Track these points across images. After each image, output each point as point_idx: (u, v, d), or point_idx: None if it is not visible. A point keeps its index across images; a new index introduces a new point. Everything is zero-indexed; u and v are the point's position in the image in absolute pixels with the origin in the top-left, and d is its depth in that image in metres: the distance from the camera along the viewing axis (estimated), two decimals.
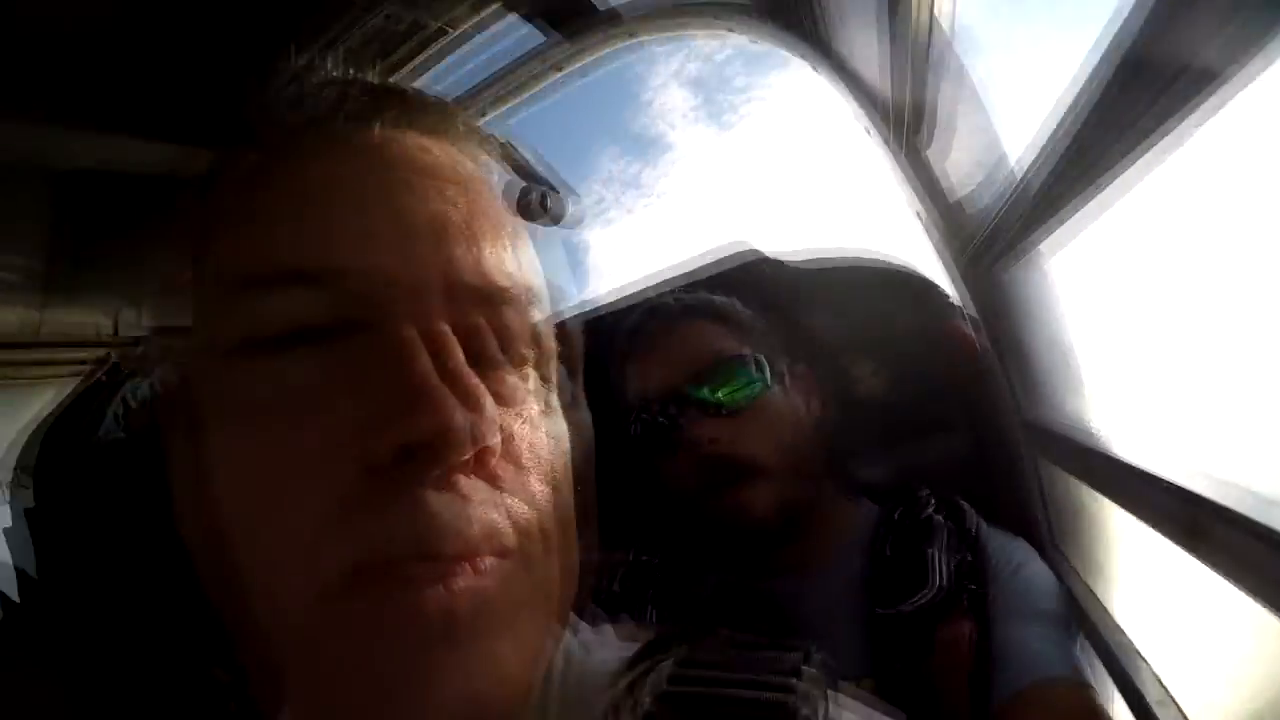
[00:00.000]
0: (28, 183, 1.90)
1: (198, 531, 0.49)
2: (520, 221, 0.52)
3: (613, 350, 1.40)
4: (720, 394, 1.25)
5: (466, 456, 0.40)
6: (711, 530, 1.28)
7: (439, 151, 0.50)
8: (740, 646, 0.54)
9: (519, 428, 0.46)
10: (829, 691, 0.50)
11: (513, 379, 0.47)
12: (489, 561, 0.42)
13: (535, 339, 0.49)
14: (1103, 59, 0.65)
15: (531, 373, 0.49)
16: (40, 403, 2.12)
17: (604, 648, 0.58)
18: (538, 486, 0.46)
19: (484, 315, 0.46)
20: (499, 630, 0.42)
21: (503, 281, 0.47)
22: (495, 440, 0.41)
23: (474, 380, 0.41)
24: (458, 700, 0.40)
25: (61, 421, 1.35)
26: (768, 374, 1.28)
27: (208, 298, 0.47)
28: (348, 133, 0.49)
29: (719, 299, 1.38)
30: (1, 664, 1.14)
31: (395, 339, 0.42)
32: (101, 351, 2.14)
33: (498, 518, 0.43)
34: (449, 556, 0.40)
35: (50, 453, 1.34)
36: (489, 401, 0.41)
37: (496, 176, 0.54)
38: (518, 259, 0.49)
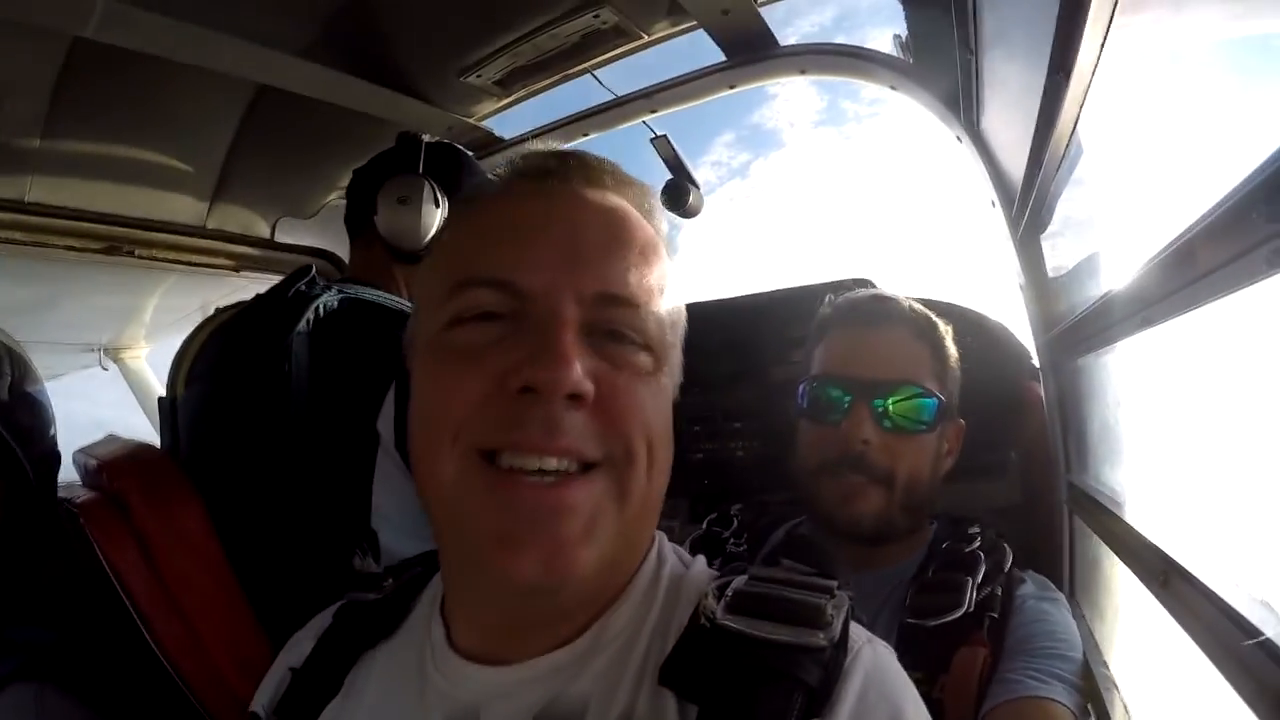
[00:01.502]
0: (229, 89, 2.17)
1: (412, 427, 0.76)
2: (656, 242, 0.78)
3: (823, 317, 1.50)
4: (892, 408, 1.35)
5: (562, 396, 0.65)
6: (815, 503, 1.41)
7: (594, 195, 0.76)
8: (796, 571, 0.79)
9: (621, 385, 0.71)
10: (850, 608, 0.73)
11: (626, 352, 0.72)
12: (576, 469, 0.68)
13: (647, 330, 0.73)
14: (1227, 195, 0.67)
15: (644, 353, 0.73)
16: (202, 288, 2.42)
17: (699, 568, 0.84)
18: (629, 420, 0.71)
19: (607, 312, 0.71)
20: (577, 529, 0.67)
21: (619, 293, 0.71)
22: (584, 389, 0.66)
23: (572, 353, 0.66)
24: (536, 559, 0.65)
25: (261, 314, 1.57)
26: (936, 418, 1.37)
27: (437, 293, 0.73)
28: (539, 186, 0.76)
29: (942, 328, 1.45)
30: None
31: (545, 320, 0.68)
32: (257, 251, 2.43)
33: (585, 438, 0.68)
34: (545, 450, 0.66)
35: (249, 337, 1.57)
36: (574, 367, 0.65)
37: (645, 202, 0.81)
38: (638, 277, 0.73)
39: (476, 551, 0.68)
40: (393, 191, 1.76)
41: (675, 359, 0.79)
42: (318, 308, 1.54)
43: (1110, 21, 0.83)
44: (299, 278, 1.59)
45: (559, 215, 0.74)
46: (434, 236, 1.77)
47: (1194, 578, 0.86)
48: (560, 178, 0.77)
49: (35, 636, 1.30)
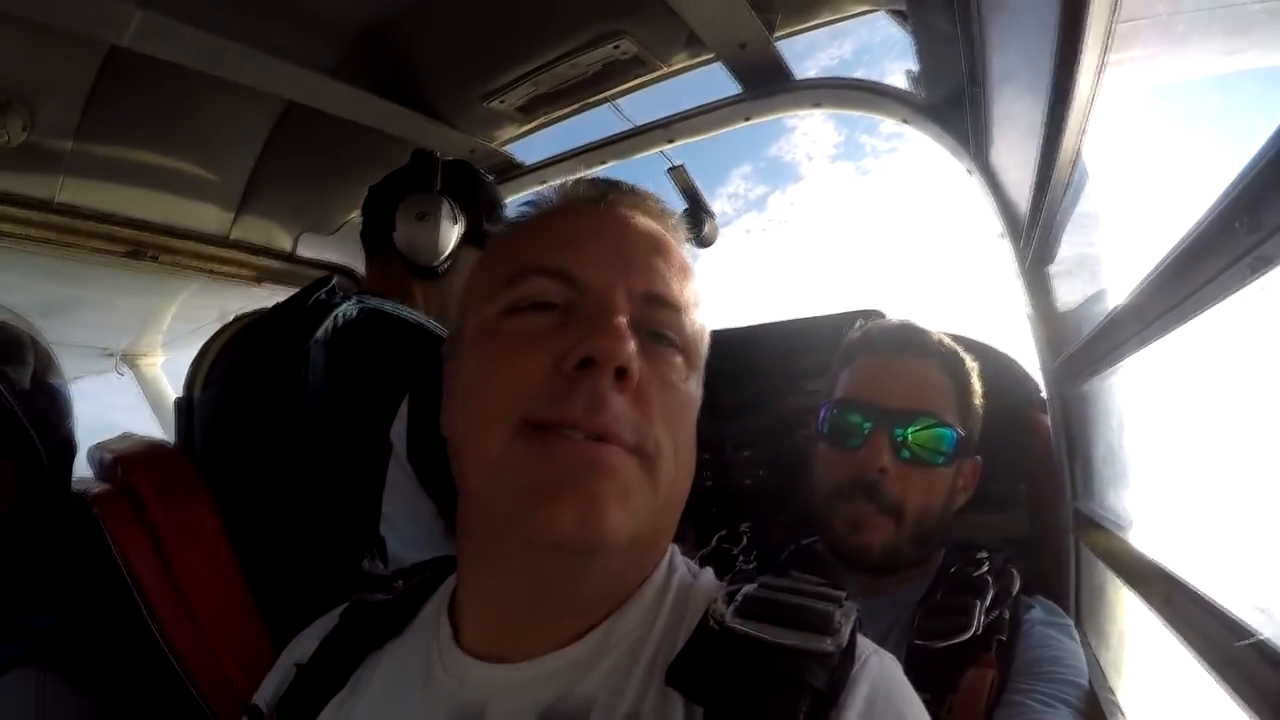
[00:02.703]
0: (258, 104, 2.23)
1: (451, 414, 0.81)
2: (689, 264, 0.83)
3: (851, 342, 1.50)
4: (911, 438, 1.35)
5: (614, 367, 0.68)
6: (825, 529, 1.42)
7: (639, 218, 0.82)
8: (805, 581, 0.80)
9: (656, 380, 0.74)
10: (857, 619, 0.74)
11: (665, 352, 0.76)
12: (618, 449, 0.70)
13: (685, 335, 0.78)
14: (1210, 209, 0.70)
15: (680, 356, 0.77)
16: (223, 298, 2.45)
17: (708, 577, 0.85)
18: (658, 419, 0.73)
19: (651, 311, 0.75)
20: (614, 489, 0.69)
21: (664, 294, 0.76)
22: (634, 367, 0.69)
23: (627, 332, 0.70)
24: (573, 512, 0.67)
25: (281, 321, 1.61)
26: (954, 452, 1.37)
27: (490, 287, 0.78)
28: (592, 205, 0.83)
29: (969, 364, 1.44)
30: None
31: (601, 307, 0.72)
32: (278, 264, 2.47)
33: (622, 420, 0.70)
34: (585, 426, 0.68)
35: (268, 342, 1.60)
36: (629, 343, 0.69)
37: (678, 233, 0.86)
38: (679, 286, 0.78)
39: (513, 510, 0.69)
40: (411, 208, 1.79)
41: (701, 371, 0.83)
42: (336, 317, 1.57)
43: (1105, 50, 0.86)
44: (319, 287, 1.62)
45: (609, 227, 0.80)
46: (451, 252, 1.81)
47: (1197, 594, 0.87)
48: (610, 202, 0.83)
49: (40, 622, 1.31)
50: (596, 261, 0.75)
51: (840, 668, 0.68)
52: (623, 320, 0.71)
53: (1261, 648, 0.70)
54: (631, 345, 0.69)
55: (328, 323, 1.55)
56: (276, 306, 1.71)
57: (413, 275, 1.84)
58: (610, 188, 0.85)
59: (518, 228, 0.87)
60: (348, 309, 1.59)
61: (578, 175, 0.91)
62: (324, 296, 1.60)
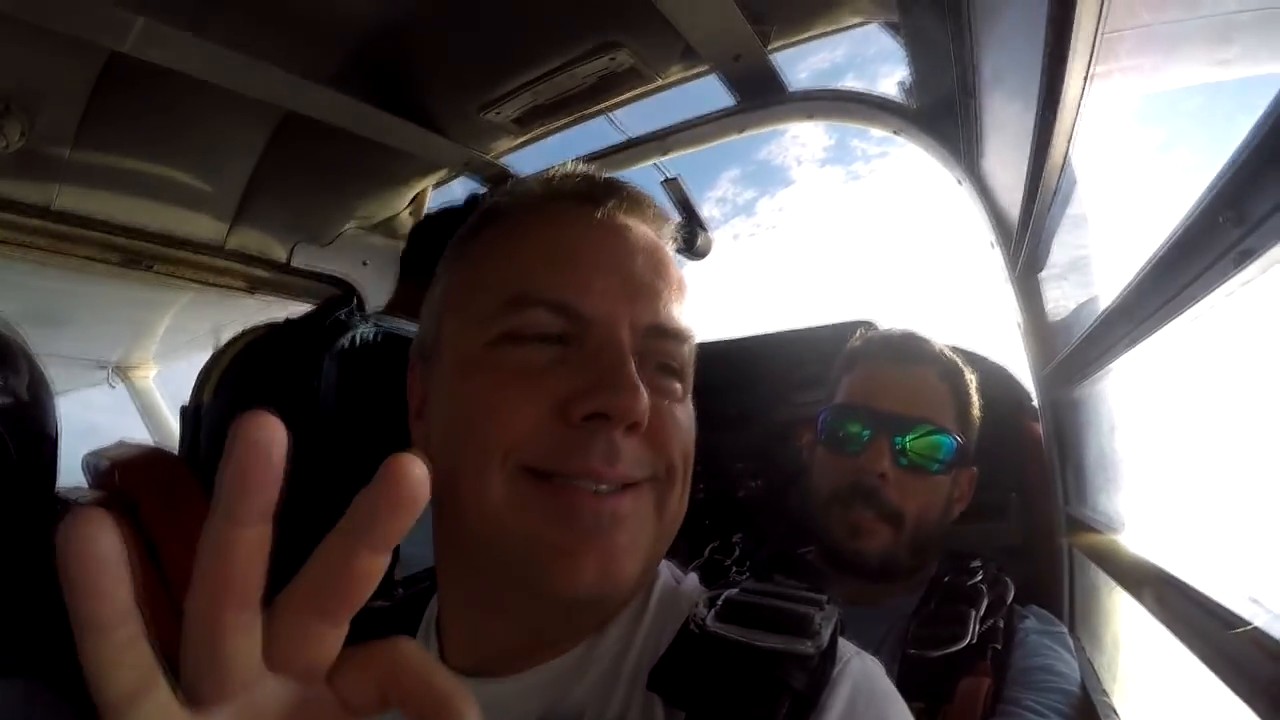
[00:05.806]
0: (256, 113, 2.23)
1: (438, 440, 0.76)
2: (683, 277, 0.80)
3: (853, 349, 1.52)
4: (910, 445, 1.37)
5: (626, 424, 0.67)
6: (823, 534, 1.41)
7: (639, 228, 0.78)
8: (787, 585, 0.81)
9: (662, 410, 0.73)
10: (839, 621, 0.74)
11: (668, 382, 0.75)
12: (627, 489, 0.70)
13: (683, 360, 0.77)
14: (1195, 205, 0.70)
15: (678, 381, 0.77)
16: (220, 308, 2.42)
17: (692, 582, 0.86)
18: (668, 448, 0.73)
19: (657, 344, 0.73)
20: (628, 538, 0.69)
21: (669, 326, 0.74)
22: (646, 419, 0.68)
23: (638, 382, 0.67)
24: (594, 569, 0.67)
25: (295, 333, 1.60)
26: (952, 460, 1.39)
27: (480, 306, 0.74)
28: (589, 213, 0.77)
29: (968, 375, 1.47)
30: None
31: (607, 347, 0.70)
32: (272, 275, 2.44)
33: (636, 464, 0.70)
34: (603, 478, 0.68)
35: (280, 352, 1.59)
36: (644, 396, 0.67)
37: (670, 236, 0.83)
38: (679, 310, 0.76)
39: (527, 566, 0.68)
40: None
41: (691, 384, 0.81)
42: (353, 336, 1.58)
43: (1093, 59, 0.88)
44: (339, 305, 1.63)
45: (610, 244, 0.76)
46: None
47: (1190, 591, 0.87)
48: (608, 206, 0.78)
49: (27, 631, 1.30)
50: (598, 290, 0.72)
51: (820, 670, 0.68)
52: (633, 370, 0.68)
53: (1257, 638, 0.70)
54: (645, 399, 0.67)
55: (343, 340, 1.55)
56: (291, 321, 1.72)
57: None
58: (606, 192, 0.79)
59: (506, 232, 0.80)
60: (365, 330, 1.60)
61: (566, 169, 0.83)
62: (343, 317, 1.61)
